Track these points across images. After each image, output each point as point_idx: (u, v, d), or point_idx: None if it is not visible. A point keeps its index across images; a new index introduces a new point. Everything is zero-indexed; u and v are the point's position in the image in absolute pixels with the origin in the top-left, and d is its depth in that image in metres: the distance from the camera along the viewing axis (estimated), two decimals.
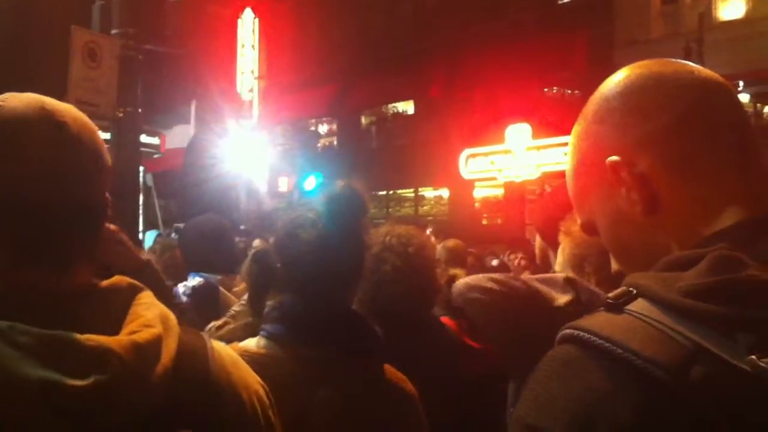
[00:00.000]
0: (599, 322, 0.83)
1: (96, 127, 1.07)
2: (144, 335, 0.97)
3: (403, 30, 20.74)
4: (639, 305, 0.82)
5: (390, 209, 22.18)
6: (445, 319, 3.20)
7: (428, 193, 21.85)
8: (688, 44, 13.63)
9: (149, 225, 16.02)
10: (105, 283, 1.04)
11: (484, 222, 19.20)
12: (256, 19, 22.31)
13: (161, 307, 1.06)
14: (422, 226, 7.71)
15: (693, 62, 0.99)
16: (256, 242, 4.20)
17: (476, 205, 19.72)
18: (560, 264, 2.23)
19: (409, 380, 1.97)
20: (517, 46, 16.85)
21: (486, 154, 17.64)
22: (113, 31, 7.02)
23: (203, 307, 3.28)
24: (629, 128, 0.92)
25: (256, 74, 22.06)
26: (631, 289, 0.84)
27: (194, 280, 3.52)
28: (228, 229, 3.97)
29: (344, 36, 21.89)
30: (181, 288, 3.59)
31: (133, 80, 6.77)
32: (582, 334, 0.82)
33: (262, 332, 1.89)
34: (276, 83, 22.57)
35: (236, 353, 1.81)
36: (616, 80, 0.97)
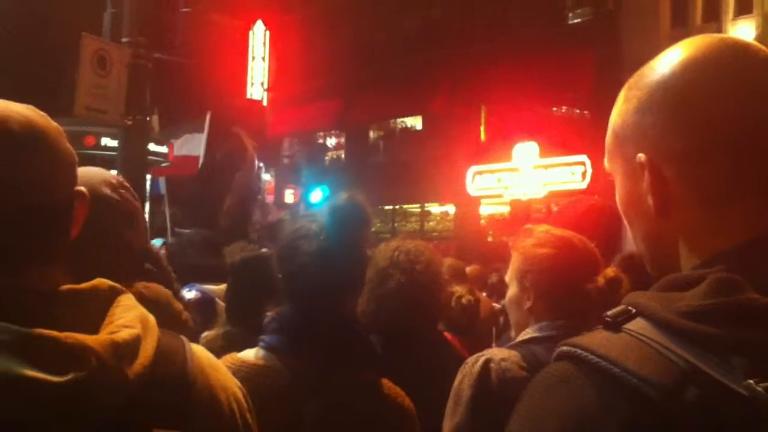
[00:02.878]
0: (597, 340, 0.82)
1: (48, 125, 1.05)
2: (122, 335, 0.98)
3: (412, 46, 20.81)
4: (637, 324, 0.82)
5: (396, 224, 22.17)
6: (447, 336, 3.20)
7: (434, 208, 21.84)
8: None
9: (157, 232, 16.05)
10: (85, 285, 1.04)
11: (490, 239, 19.17)
12: (267, 32, 22.44)
13: (141, 309, 1.06)
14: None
15: None
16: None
17: (482, 222, 19.71)
18: (507, 276, 2.25)
19: (409, 395, 1.97)
20: (524, 65, 16.89)
21: (493, 172, 17.66)
22: (123, 40, 7.07)
23: (203, 321, 3.28)
24: (661, 132, 0.90)
25: (266, 86, 22.15)
26: (630, 308, 0.84)
27: (190, 293, 3.52)
28: (214, 241, 4.00)
29: (353, 50, 21.97)
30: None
31: (142, 88, 6.81)
32: (579, 351, 0.81)
33: (260, 343, 1.89)
34: (284, 95, 22.66)
35: (234, 363, 1.83)
36: (664, 68, 0.92)
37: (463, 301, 3.76)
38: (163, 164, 13.05)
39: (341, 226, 1.87)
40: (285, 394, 1.78)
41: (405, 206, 22.18)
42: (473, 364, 2.09)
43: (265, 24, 22.45)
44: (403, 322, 2.53)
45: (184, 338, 1.16)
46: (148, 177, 10.40)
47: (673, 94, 0.89)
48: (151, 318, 1.08)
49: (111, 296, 1.05)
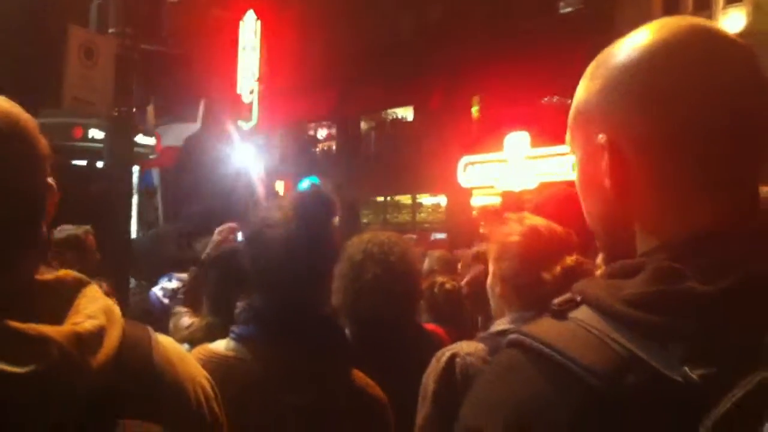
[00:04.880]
0: (543, 328, 0.85)
1: (24, 117, 1.05)
2: (86, 325, 0.98)
3: (404, 36, 20.78)
4: (582, 312, 0.83)
5: (388, 215, 22.19)
6: (432, 326, 3.20)
7: (426, 200, 21.85)
8: None
9: (146, 225, 16.02)
10: (50, 276, 1.04)
11: (482, 230, 19.18)
12: (258, 22, 22.34)
13: (106, 301, 1.07)
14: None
15: (760, 71, 0.89)
16: None
17: (474, 213, 19.72)
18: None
19: (385, 387, 1.97)
20: (517, 54, 16.86)
21: (484, 162, 17.64)
22: (110, 31, 7.03)
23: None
24: (620, 112, 0.89)
25: (257, 77, 22.07)
26: (576, 296, 0.86)
27: (170, 283, 3.59)
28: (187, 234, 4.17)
29: (345, 41, 21.92)
30: (159, 292, 3.64)
31: (129, 80, 6.78)
32: (526, 339, 0.83)
33: (231, 334, 1.89)
34: (276, 86, 22.59)
35: (204, 354, 1.82)
36: (624, 50, 0.91)
37: (447, 286, 3.76)
38: (151, 156, 13.01)
39: (307, 214, 1.87)
40: (255, 385, 1.77)
41: (396, 197, 22.17)
42: (439, 358, 2.12)
43: (258, 14, 22.33)
44: (380, 314, 2.53)
45: (150, 329, 1.16)
46: (137, 169, 10.40)
47: (641, 77, 0.88)
48: (116, 309, 1.08)
49: (76, 287, 1.06)
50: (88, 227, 4.14)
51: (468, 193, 19.07)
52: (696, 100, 0.85)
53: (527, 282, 2.09)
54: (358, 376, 1.93)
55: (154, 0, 7.66)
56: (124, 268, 5.67)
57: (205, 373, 1.27)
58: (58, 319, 0.99)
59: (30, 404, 0.91)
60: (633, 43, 0.91)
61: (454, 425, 0.89)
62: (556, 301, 0.87)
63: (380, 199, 21.94)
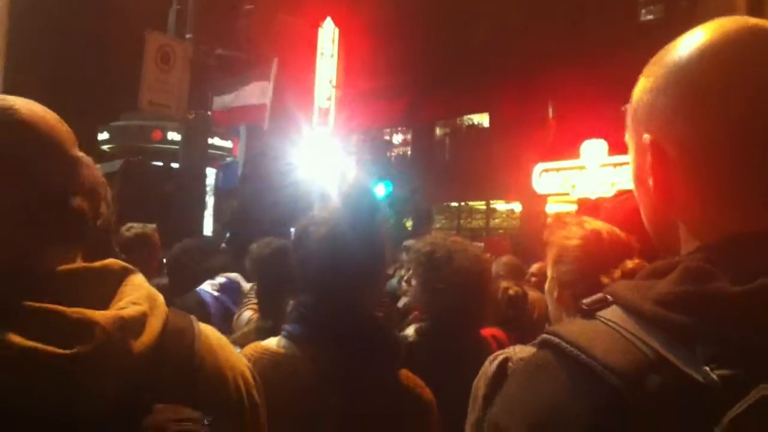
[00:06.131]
0: (572, 328, 0.85)
1: (59, 122, 1.10)
2: (129, 311, 1.01)
3: (479, 42, 20.66)
4: (611, 312, 0.83)
5: (461, 221, 22.09)
6: (494, 330, 3.17)
7: (500, 206, 21.67)
8: None
9: (222, 225, 16.41)
10: (97, 264, 1.08)
11: (545, 237, 18.85)
12: (336, 29, 22.57)
13: (150, 289, 1.10)
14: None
15: None
16: None
17: (548, 220, 19.45)
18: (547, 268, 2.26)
19: (436, 388, 1.96)
20: (595, 61, 16.57)
21: (559, 170, 17.39)
22: (187, 36, 7.22)
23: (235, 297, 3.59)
24: (671, 114, 0.88)
25: (334, 83, 22.28)
26: (606, 296, 0.86)
27: (217, 280, 3.71)
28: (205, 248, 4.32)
29: (420, 47, 21.94)
30: (207, 287, 3.73)
31: (204, 84, 6.95)
32: (554, 339, 0.84)
33: (282, 332, 1.91)
34: (352, 93, 22.78)
35: (256, 351, 1.85)
36: (684, 50, 0.90)
37: (510, 292, 3.73)
38: (228, 158, 13.25)
39: (352, 213, 1.88)
40: (305, 382, 1.79)
41: (470, 203, 22.04)
42: (491, 362, 2.09)
43: (336, 22, 22.55)
44: (455, 314, 2.62)
45: (194, 318, 1.20)
46: (214, 171, 10.64)
47: (689, 77, 0.87)
48: (160, 297, 1.12)
49: (122, 275, 1.09)
50: (154, 225, 4.26)
51: (543, 200, 18.82)
52: (743, 102, 0.83)
53: (586, 286, 2.03)
54: (406, 376, 1.93)
55: (230, 7, 7.82)
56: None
57: (246, 361, 1.29)
58: (103, 304, 1.02)
59: (74, 385, 0.94)
60: (684, 44, 0.90)
61: (485, 424, 0.89)
62: (585, 301, 0.87)
63: (454, 204, 21.84)
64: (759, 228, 0.82)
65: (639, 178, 0.95)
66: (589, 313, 0.85)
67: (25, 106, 1.06)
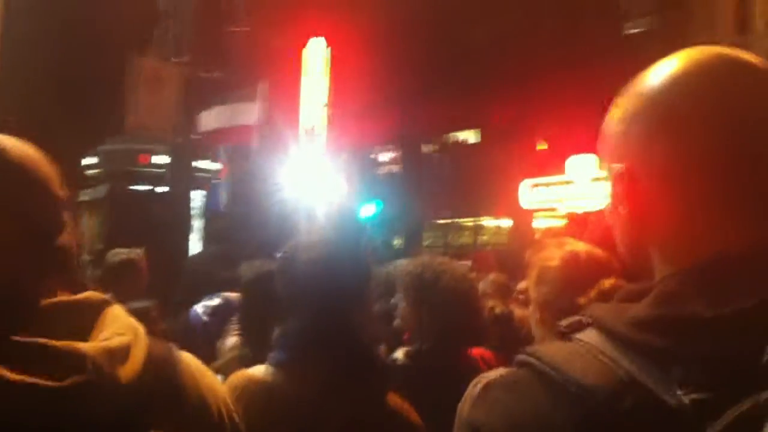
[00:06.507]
0: (550, 349, 0.87)
1: (46, 163, 1.14)
2: (115, 342, 1.04)
3: (469, 59, 20.74)
4: (589, 334, 0.85)
5: (450, 238, 22.10)
6: (481, 351, 3.17)
7: (488, 222, 21.70)
8: None
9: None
10: (79, 296, 1.09)
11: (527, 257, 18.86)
12: (328, 48, 22.55)
13: (130, 319, 1.13)
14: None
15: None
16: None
17: (537, 236, 19.48)
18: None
19: (424, 412, 1.96)
20: (583, 76, 16.67)
21: (548, 185, 17.45)
22: (174, 59, 7.23)
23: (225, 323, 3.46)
24: (651, 148, 0.89)
25: (324, 102, 22.27)
26: (583, 318, 0.88)
27: (212, 301, 3.65)
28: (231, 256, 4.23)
29: (409, 65, 21.99)
30: (200, 309, 3.71)
31: (190, 107, 6.95)
32: (531, 359, 0.86)
33: (269, 359, 1.91)
34: (340, 111, 22.80)
35: (241, 380, 1.85)
36: (650, 81, 0.92)
37: (496, 311, 3.74)
38: (214, 181, 13.24)
39: (338, 236, 1.89)
40: (293, 410, 1.80)
41: (458, 220, 22.08)
42: (475, 385, 2.09)
43: (327, 41, 22.52)
44: (447, 336, 2.63)
45: (173, 346, 1.22)
46: (201, 193, 10.60)
47: (661, 106, 0.89)
48: (140, 327, 1.14)
49: (101, 307, 1.11)
50: (140, 250, 4.25)
51: (530, 215, 18.87)
52: (716, 128, 0.85)
53: (565, 307, 2.05)
54: (393, 400, 1.93)
55: (216, 28, 7.85)
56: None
57: (224, 387, 1.34)
58: (83, 336, 1.04)
59: (66, 417, 0.95)
60: (656, 73, 0.92)
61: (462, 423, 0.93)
62: (563, 323, 0.90)
63: (443, 221, 21.87)
64: (733, 252, 0.83)
65: (614, 206, 0.96)
66: (567, 335, 0.87)
67: (14, 146, 1.09)
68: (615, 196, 0.94)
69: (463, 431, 0.92)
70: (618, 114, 0.95)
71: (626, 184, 0.91)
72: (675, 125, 0.87)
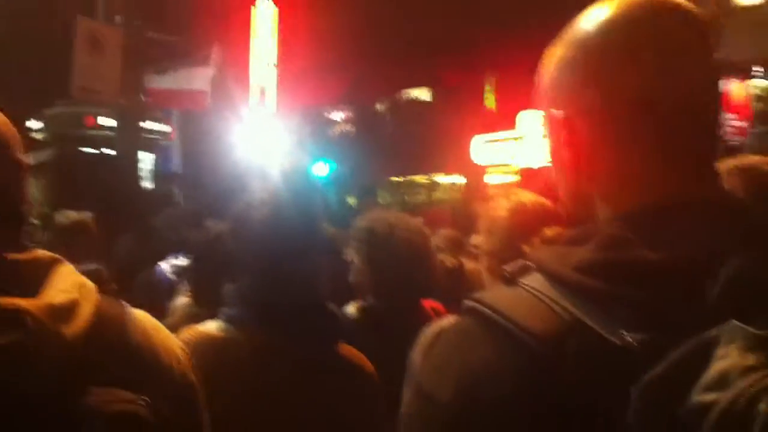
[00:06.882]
0: (494, 294, 0.87)
1: (7, 125, 1.13)
2: (59, 298, 1.03)
3: (420, 16, 20.59)
4: (533, 278, 0.85)
5: (405, 196, 22.16)
6: (433, 303, 3.21)
7: (442, 179, 21.78)
8: None
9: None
10: (27, 254, 1.09)
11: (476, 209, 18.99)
12: (274, 8, 22.18)
13: (80, 277, 1.12)
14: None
15: (710, 48, 0.91)
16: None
17: (490, 192, 19.62)
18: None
19: (380, 363, 1.98)
20: (535, 30, 16.66)
21: (499, 141, 17.54)
22: (117, 20, 7.06)
23: None
24: (576, 87, 0.92)
25: (273, 62, 21.97)
26: (528, 262, 0.88)
27: (179, 261, 3.61)
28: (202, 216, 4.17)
29: (361, 23, 21.76)
30: (166, 267, 3.66)
31: (136, 68, 6.81)
32: (477, 305, 0.86)
33: (220, 315, 1.91)
34: (292, 71, 22.52)
35: (193, 336, 1.85)
36: (582, 27, 0.94)
37: (447, 264, 3.78)
38: (163, 143, 13.02)
39: (289, 192, 1.89)
40: (246, 365, 1.80)
41: (413, 178, 22.12)
42: (425, 334, 2.13)
43: (273, 1, 22.12)
44: (402, 290, 2.64)
45: (125, 303, 1.20)
46: (152, 156, 10.44)
47: (592, 52, 0.90)
48: (90, 284, 1.12)
49: (50, 265, 1.10)
50: (90, 214, 4.18)
51: (483, 171, 18.98)
52: (648, 75, 0.87)
53: (511, 256, 2.09)
54: (347, 350, 1.95)
55: None
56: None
57: (180, 343, 1.31)
58: (32, 294, 1.02)
59: (5, 374, 0.94)
60: (587, 19, 0.93)
61: (406, 388, 0.92)
62: (508, 268, 0.89)
63: (397, 179, 21.89)
64: (674, 197, 0.85)
65: (555, 154, 0.97)
66: (512, 280, 0.87)
67: None
68: (555, 142, 0.95)
69: (414, 396, 0.91)
70: (553, 62, 0.96)
71: (565, 131, 0.92)
72: (608, 71, 0.88)
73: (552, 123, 0.95)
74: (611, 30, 0.90)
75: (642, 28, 0.89)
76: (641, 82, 0.87)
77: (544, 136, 1.02)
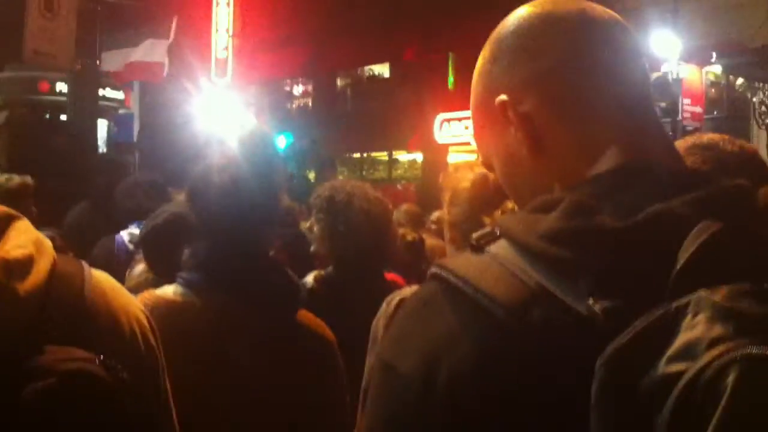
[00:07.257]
0: (460, 261, 0.86)
1: None
2: (14, 254, 1.00)
3: None
4: (499, 246, 0.84)
5: (364, 172, 22.16)
6: (393, 276, 3.23)
7: (402, 156, 21.82)
8: (663, 14, 13.60)
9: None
10: None
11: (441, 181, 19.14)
12: None
13: (36, 234, 1.09)
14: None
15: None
16: None
17: (450, 170, 19.70)
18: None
19: (341, 332, 1.98)
20: (496, 11, 16.69)
21: (461, 119, 17.62)
22: None
23: None
24: (516, 68, 0.93)
25: (231, 32, 21.71)
26: (495, 230, 0.86)
27: (137, 230, 3.58)
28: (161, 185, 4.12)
29: None
30: (126, 236, 3.63)
31: (91, 32, 6.66)
32: (441, 272, 0.84)
33: (178, 280, 1.89)
34: (251, 42, 22.28)
35: (151, 299, 1.82)
36: (511, 20, 0.97)
37: (408, 238, 3.80)
38: (120, 110, 12.83)
39: (249, 156, 1.87)
40: (204, 330, 1.79)
41: (373, 154, 22.11)
42: (389, 302, 2.14)
43: None
44: (362, 256, 2.67)
45: (84, 263, 1.18)
46: (106, 123, 10.24)
47: (521, 34, 0.94)
48: (47, 242, 1.09)
49: (6, 221, 1.07)
50: (29, 177, 4.14)
51: (444, 149, 19.06)
52: (584, 66, 0.91)
53: (473, 227, 2.10)
54: (306, 317, 1.95)
55: None
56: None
57: (140, 305, 1.28)
58: None
59: None
60: (515, 16, 0.98)
61: (369, 357, 0.91)
62: (474, 235, 0.88)
63: (357, 155, 21.84)
64: (635, 166, 0.86)
65: (502, 153, 0.97)
66: (478, 248, 0.86)
67: None
68: (502, 137, 0.95)
69: (377, 366, 0.89)
70: (487, 56, 0.98)
71: (513, 113, 0.92)
72: (536, 41, 0.93)
73: (495, 117, 0.95)
74: (537, 16, 0.95)
75: (574, 11, 0.94)
76: (572, 43, 0.92)
77: (479, 136, 1.03)
